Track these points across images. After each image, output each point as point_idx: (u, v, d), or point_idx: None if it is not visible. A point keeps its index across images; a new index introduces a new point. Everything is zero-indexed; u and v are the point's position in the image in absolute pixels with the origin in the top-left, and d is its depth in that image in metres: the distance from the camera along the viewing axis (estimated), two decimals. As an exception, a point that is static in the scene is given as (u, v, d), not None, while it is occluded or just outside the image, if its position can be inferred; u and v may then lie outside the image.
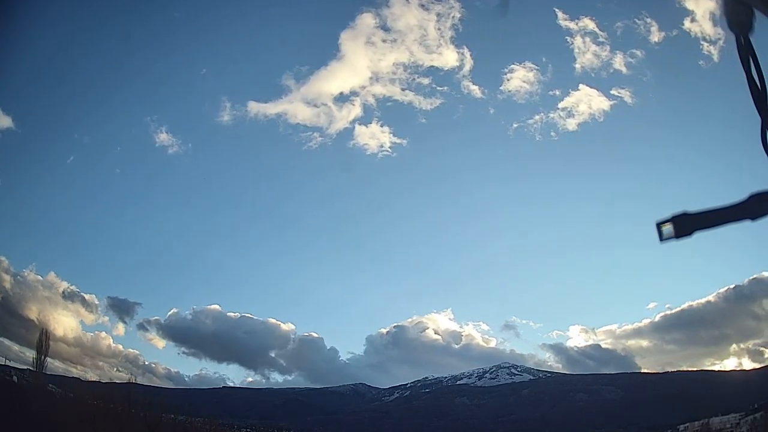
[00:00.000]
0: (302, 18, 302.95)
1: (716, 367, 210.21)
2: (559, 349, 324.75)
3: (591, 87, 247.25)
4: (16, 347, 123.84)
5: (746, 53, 2.35)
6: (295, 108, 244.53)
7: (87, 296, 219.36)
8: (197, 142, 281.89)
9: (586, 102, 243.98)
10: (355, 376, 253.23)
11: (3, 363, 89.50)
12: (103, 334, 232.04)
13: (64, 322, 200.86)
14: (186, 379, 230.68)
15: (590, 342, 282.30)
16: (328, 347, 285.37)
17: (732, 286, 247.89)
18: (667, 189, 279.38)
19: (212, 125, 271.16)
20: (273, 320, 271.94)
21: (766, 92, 2.34)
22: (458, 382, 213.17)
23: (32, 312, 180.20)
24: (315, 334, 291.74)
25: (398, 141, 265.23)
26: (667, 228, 2.24)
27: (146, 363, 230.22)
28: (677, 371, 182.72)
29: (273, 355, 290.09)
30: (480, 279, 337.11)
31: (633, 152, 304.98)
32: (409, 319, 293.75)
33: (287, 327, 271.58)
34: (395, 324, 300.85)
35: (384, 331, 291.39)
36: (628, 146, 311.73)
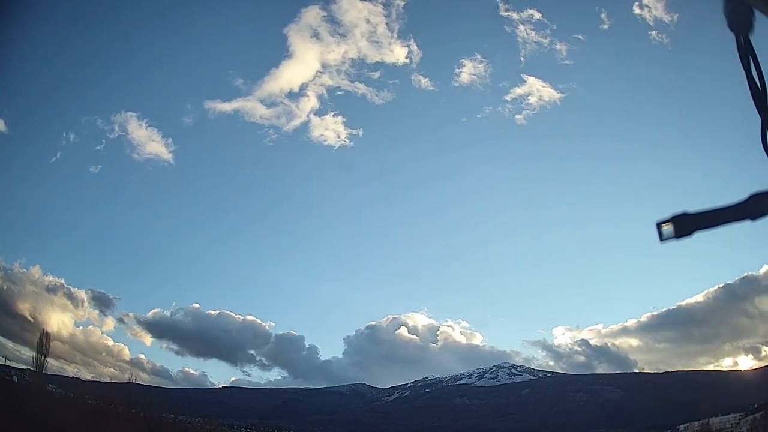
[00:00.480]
0: (248, 15, 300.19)
1: (711, 366, 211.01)
2: (544, 346, 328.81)
3: (538, 78, 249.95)
4: (10, 344, 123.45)
5: (746, 53, 2.35)
6: (254, 106, 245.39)
7: (73, 290, 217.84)
8: (178, 140, 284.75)
9: (536, 94, 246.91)
10: (335, 374, 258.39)
11: (3, 363, 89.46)
12: (91, 327, 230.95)
13: (57, 319, 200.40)
14: (171, 373, 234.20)
15: (577, 340, 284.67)
16: (307, 345, 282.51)
17: (722, 285, 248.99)
18: (649, 186, 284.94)
19: (190, 123, 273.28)
20: (253, 318, 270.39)
21: (766, 92, 2.34)
22: (458, 382, 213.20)
23: (25, 308, 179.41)
24: (294, 332, 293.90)
25: (354, 132, 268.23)
26: (667, 228, 2.25)
27: (131, 358, 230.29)
28: (677, 371, 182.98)
29: (253, 352, 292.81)
30: (457, 277, 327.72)
31: (614, 148, 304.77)
32: (386, 318, 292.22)
33: (267, 325, 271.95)
34: (373, 322, 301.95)
35: (361, 329, 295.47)
36: (606, 141, 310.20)
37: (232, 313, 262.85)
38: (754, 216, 2.19)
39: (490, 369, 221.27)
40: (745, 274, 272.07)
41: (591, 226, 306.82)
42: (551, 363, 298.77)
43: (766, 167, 2.17)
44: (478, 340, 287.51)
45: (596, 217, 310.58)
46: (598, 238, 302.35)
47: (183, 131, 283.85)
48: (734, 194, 2.22)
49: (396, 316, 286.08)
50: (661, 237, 2.25)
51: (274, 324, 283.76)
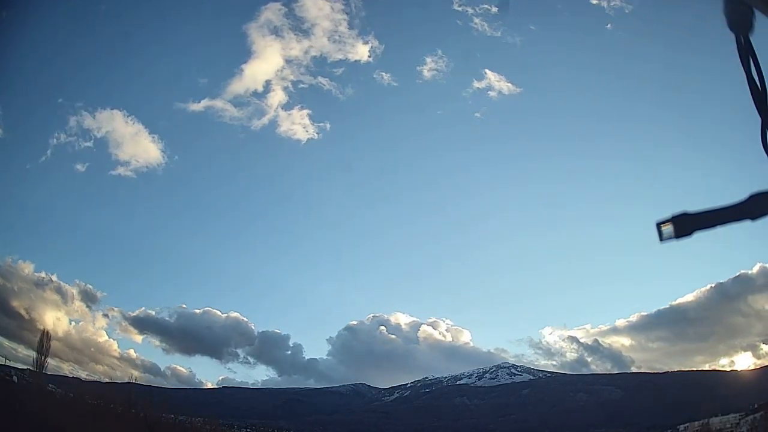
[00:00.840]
0: (210, 16, 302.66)
1: (708, 364, 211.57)
2: (531, 344, 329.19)
3: (494, 71, 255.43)
4: (6, 342, 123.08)
5: (746, 53, 2.35)
6: (224, 105, 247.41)
7: (63, 285, 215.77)
8: (162, 139, 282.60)
9: (495, 88, 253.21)
10: (320, 372, 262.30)
11: (3, 363, 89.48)
12: (83, 324, 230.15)
13: (52, 316, 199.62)
14: (160, 369, 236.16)
15: (566, 338, 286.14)
16: (291, 344, 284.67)
17: (713, 285, 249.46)
18: (637, 188, 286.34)
19: (167, 123, 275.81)
20: (237, 315, 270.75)
21: (766, 92, 2.34)
22: (458, 382, 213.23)
23: (19, 306, 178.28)
24: (279, 331, 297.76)
25: (321, 125, 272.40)
26: (667, 228, 2.24)
27: (121, 353, 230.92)
28: (677, 371, 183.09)
29: (238, 350, 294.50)
30: (442, 277, 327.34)
31: (614, 147, 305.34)
32: (368, 316, 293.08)
33: (251, 323, 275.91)
34: (354, 322, 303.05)
35: (344, 328, 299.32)
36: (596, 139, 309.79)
37: (217, 311, 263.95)
38: (754, 216, 2.19)
39: (490, 369, 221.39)
40: (739, 273, 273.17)
41: (578, 227, 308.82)
42: (543, 362, 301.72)
43: (766, 167, 2.16)
44: (465, 340, 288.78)
45: (583, 217, 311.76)
46: (585, 239, 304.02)
47: (164, 131, 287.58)
48: (734, 194, 2.22)
49: (379, 314, 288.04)
50: (661, 237, 2.24)
51: (258, 323, 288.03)
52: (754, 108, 2.37)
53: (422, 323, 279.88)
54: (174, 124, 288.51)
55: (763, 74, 2.36)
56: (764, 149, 2.32)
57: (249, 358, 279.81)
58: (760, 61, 2.35)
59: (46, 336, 72.70)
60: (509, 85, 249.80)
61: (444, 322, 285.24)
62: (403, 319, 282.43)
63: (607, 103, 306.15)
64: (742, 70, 2.36)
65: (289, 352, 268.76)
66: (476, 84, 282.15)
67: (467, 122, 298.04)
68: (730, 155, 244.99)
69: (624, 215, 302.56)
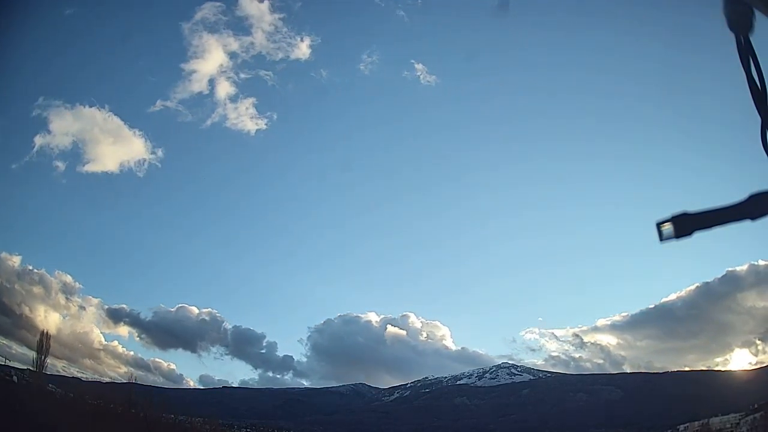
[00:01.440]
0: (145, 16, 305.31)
1: (702, 362, 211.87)
2: (507, 342, 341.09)
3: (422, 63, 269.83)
4: (2, 340, 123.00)
5: (746, 53, 2.35)
6: (174, 105, 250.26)
7: (47, 277, 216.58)
8: (147, 136, 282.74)
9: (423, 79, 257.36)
10: (298, 369, 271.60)
11: (3, 363, 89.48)
12: (69, 319, 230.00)
13: (47, 314, 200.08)
14: (146, 360, 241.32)
15: (547, 337, 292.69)
16: (265, 342, 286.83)
17: (699, 284, 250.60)
18: (628, 189, 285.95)
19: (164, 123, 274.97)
20: (212, 312, 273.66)
21: (766, 92, 2.34)
22: (458, 382, 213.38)
23: (10, 301, 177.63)
24: (252, 328, 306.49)
25: (268, 113, 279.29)
26: (667, 228, 2.24)
27: (105, 344, 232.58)
28: (677, 371, 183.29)
29: (212, 347, 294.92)
30: (416, 276, 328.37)
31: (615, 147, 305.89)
32: (338, 315, 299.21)
33: (226, 321, 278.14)
34: (321, 322, 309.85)
35: (318, 325, 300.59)
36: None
37: (193, 308, 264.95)
38: (753, 216, 2.18)
39: (490, 369, 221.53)
40: (726, 272, 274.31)
41: (559, 228, 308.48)
42: (529, 360, 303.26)
43: (766, 167, 2.16)
44: (443, 339, 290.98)
45: (566, 219, 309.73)
46: (567, 242, 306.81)
47: (146, 128, 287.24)
48: (734, 194, 2.22)
49: (351, 313, 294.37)
50: (661, 237, 2.23)
51: (231, 319, 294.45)
52: (754, 108, 2.37)
53: (397, 322, 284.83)
54: (153, 122, 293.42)
55: (763, 74, 2.36)
56: (764, 149, 2.32)
57: (223, 354, 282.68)
58: (760, 61, 2.35)
59: (45, 336, 72.74)
60: (434, 77, 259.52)
61: (419, 319, 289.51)
62: (374, 318, 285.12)
63: (598, 102, 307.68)
64: (742, 70, 2.36)
65: (264, 350, 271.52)
66: (406, 73, 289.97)
67: (448, 118, 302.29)
68: (730, 155, 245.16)
69: (608, 216, 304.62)
